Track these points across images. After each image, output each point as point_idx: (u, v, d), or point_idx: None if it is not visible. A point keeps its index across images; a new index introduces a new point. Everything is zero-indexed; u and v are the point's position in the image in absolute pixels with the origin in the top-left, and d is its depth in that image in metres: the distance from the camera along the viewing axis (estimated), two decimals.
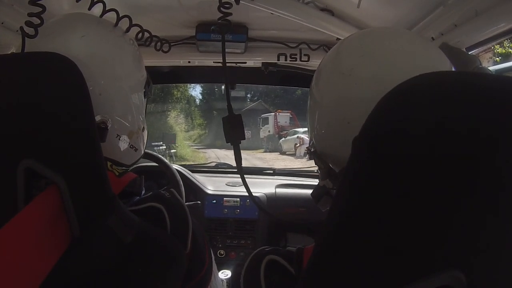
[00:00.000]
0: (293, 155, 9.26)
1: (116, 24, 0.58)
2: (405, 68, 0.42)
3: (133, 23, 0.62)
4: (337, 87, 0.47)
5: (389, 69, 0.43)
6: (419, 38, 0.50)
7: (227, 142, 0.61)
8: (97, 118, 0.51)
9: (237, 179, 1.61)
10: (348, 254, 0.32)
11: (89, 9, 0.58)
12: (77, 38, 0.53)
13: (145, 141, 0.66)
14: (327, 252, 0.34)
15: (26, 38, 0.50)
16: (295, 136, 9.66)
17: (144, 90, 0.63)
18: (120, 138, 0.57)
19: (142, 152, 0.65)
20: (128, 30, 0.60)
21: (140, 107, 0.62)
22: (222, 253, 1.40)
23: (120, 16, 0.59)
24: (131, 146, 0.60)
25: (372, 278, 0.31)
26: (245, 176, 0.62)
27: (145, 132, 0.65)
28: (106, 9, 0.58)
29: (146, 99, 0.65)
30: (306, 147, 0.55)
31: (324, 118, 0.50)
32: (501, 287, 0.32)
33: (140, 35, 0.66)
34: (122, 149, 0.58)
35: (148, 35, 0.69)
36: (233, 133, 0.61)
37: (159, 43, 0.77)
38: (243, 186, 0.60)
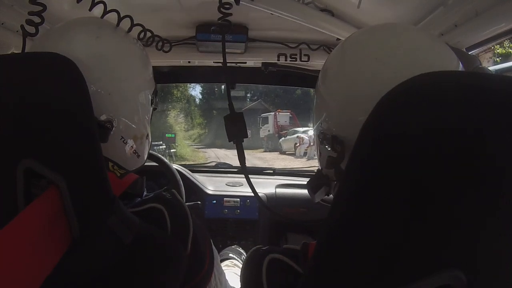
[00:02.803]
0: (293, 154, 9.25)
1: (118, 24, 0.58)
2: (412, 65, 0.42)
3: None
4: (345, 85, 0.47)
5: (396, 66, 0.43)
6: (426, 34, 0.50)
7: (229, 141, 0.61)
8: (103, 117, 0.51)
9: (237, 179, 1.62)
10: (349, 252, 0.32)
11: (90, 9, 0.58)
12: (82, 39, 0.53)
13: (147, 149, 0.65)
14: (328, 250, 0.34)
15: (30, 43, 0.50)
16: (295, 135, 9.64)
17: (151, 96, 0.62)
18: (124, 141, 0.57)
19: (144, 159, 0.65)
20: (129, 30, 0.60)
21: (146, 112, 0.61)
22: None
23: (121, 16, 0.59)
24: (134, 151, 0.59)
25: (373, 276, 0.31)
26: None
27: (149, 140, 0.65)
28: (107, 10, 0.58)
29: (152, 109, 0.65)
30: (321, 131, 0.51)
31: (332, 117, 0.49)
32: (501, 286, 0.32)
33: (142, 34, 0.65)
34: (125, 153, 0.58)
35: (150, 34, 0.69)
36: (236, 131, 0.61)
37: (160, 43, 0.76)
38: (246, 185, 0.60)
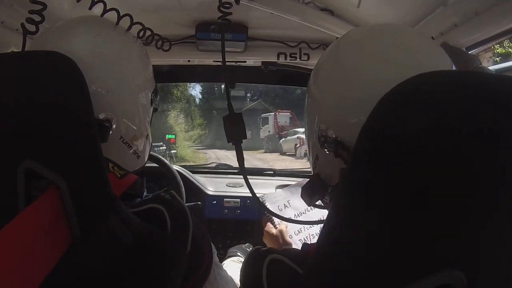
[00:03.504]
0: (294, 155, 9.27)
1: (117, 22, 0.58)
2: (410, 64, 0.42)
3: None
4: (339, 86, 0.46)
5: (394, 65, 0.42)
6: (421, 35, 0.49)
7: (228, 142, 0.61)
8: (101, 115, 0.51)
9: (237, 180, 1.61)
10: (348, 252, 0.32)
11: (90, 8, 0.58)
12: (81, 38, 0.53)
13: (148, 150, 0.65)
14: (327, 250, 0.34)
15: (30, 39, 0.50)
16: (295, 136, 9.66)
17: (151, 96, 0.62)
18: (124, 141, 0.56)
19: (145, 160, 0.65)
20: (129, 28, 0.60)
21: (146, 112, 0.61)
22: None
23: (121, 15, 0.59)
24: (134, 152, 0.59)
25: (372, 276, 0.31)
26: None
27: (149, 141, 0.65)
28: (107, 8, 0.58)
29: (152, 109, 0.64)
30: (322, 135, 0.48)
31: (325, 118, 0.48)
32: (501, 286, 0.32)
33: (141, 33, 0.65)
34: (124, 153, 0.58)
35: (150, 33, 0.69)
36: (235, 132, 0.60)
37: (159, 42, 0.76)
38: (246, 185, 0.60)
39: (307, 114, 0.53)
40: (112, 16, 0.58)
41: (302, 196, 0.53)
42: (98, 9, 0.58)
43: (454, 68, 0.46)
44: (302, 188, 0.52)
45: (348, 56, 0.47)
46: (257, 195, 1.48)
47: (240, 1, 0.64)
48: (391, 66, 0.42)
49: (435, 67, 0.42)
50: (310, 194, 0.51)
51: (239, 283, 0.54)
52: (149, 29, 0.66)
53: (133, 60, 0.58)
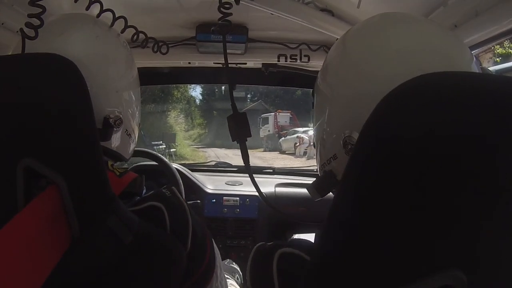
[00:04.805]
0: (293, 154, 9.28)
1: (112, 24, 0.59)
2: (419, 60, 0.40)
3: (131, 24, 0.62)
4: (348, 83, 0.44)
5: (400, 61, 0.41)
6: (435, 24, 0.47)
7: (233, 141, 0.61)
8: (112, 114, 0.54)
9: (236, 178, 1.61)
10: (347, 252, 0.32)
11: (87, 9, 0.58)
12: (81, 39, 0.53)
13: (137, 133, 0.69)
14: (327, 250, 0.34)
15: (27, 39, 0.50)
16: (295, 135, 9.68)
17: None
18: (127, 133, 0.60)
19: (135, 142, 0.69)
20: (123, 31, 0.61)
21: (139, 104, 0.65)
22: (223, 253, 1.40)
23: (116, 16, 0.59)
24: (132, 140, 0.63)
25: (372, 276, 0.31)
26: (244, 175, 0.62)
27: (139, 127, 0.69)
28: (104, 8, 0.59)
29: None
30: (352, 143, 0.44)
31: (335, 116, 0.47)
32: (501, 285, 0.32)
33: (135, 36, 0.66)
34: (126, 143, 0.61)
35: (144, 36, 0.69)
36: (239, 131, 0.61)
37: (156, 45, 0.77)
38: (245, 184, 0.60)
39: (319, 115, 0.51)
40: (106, 16, 0.59)
41: (309, 190, 0.52)
42: (94, 9, 0.58)
43: (474, 58, 0.43)
44: (312, 183, 0.51)
45: (356, 50, 0.45)
46: (257, 193, 1.47)
47: (240, 1, 0.64)
48: (399, 60, 0.41)
49: (451, 59, 0.40)
50: (320, 190, 0.50)
51: None
52: (142, 32, 0.67)
53: (129, 58, 0.61)
